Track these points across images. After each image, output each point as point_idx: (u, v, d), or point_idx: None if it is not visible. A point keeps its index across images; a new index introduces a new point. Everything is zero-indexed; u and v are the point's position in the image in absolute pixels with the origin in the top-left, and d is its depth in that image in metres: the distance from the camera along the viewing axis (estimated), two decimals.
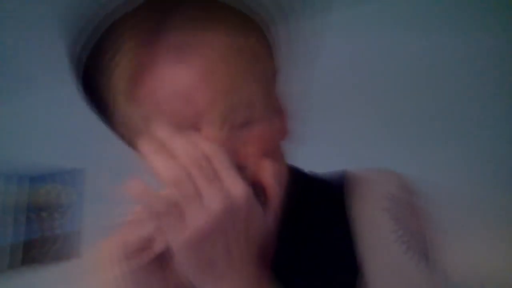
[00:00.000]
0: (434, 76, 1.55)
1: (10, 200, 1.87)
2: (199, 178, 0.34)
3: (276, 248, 0.43)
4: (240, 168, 0.37)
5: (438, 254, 0.45)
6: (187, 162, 0.34)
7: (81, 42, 0.39)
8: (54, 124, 1.95)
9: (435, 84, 1.54)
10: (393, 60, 1.59)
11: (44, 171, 1.88)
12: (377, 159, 1.43)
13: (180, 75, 0.38)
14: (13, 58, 1.75)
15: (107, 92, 0.40)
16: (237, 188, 0.35)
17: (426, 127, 1.50)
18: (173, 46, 0.38)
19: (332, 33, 1.61)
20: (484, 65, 1.49)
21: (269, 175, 0.39)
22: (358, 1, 1.66)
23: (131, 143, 0.43)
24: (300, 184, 0.48)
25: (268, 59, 0.44)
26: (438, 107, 1.51)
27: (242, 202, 0.35)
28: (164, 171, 0.34)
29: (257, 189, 0.38)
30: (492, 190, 1.36)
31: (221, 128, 0.38)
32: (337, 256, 0.45)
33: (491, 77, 1.48)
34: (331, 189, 0.51)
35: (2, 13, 1.52)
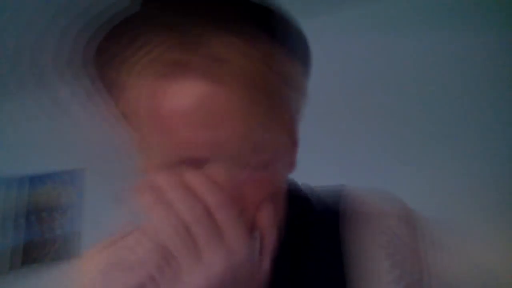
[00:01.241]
0: (434, 78, 1.55)
1: (11, 202, 1.87)
2: (199, 233, 0.32)
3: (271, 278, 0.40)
4: (240, 212, 0.34)
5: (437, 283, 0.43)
6: (186, 215, 0.32)
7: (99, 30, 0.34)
8: (54, 124, 1.95)
9: (435, 86, 1.54)
10: (392, 61, 1.59)
11: (44, 172, 1.88)
12: (374, 165, 1.43)
13: (209, 97, 0.33)
14: (13, 58, 1.75)
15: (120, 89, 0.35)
16: (240, 244, 0.32)
17: (425, 128, 1.49)
18: (206, 61, 0.33)
19: (332, 33, 1.61)
20: (485, 66, 1.49)
21: (268, 221, 0.37)
22: (358, 1, 1.66)
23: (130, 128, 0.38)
24: (296, 206, 0.45)
25: (299, 90, 0.39)
26: (437, 108, 1.51)
27: (244, 259, 0.32)
28: (162, 226, 0.31)
29: (254, 233, 0.36)
30: (492, 193, 1.36)
31: (233, 169, 0.34)
32: None
33: (491, 78, 1.48)
34: (326, 213, 0.46)
35: (2, 12, 1.52)
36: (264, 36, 0.34)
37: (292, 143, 0.41)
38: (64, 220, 1.81)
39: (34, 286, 1.73)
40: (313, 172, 0.50)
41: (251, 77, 0.33)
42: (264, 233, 0.37)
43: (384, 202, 0.47)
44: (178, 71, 0.33)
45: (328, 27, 1.61)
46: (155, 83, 0.33)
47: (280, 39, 0.36)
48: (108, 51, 0.35)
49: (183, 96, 0.33)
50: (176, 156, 0.34)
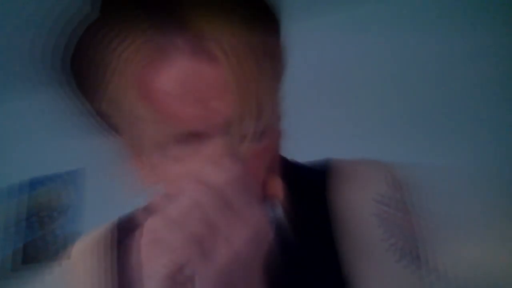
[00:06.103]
0: (433, 76, 1.55)
1: (13, 206, 1.87)
2: (214, 218, 0.32)
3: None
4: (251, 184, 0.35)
5: (433, 251, 0.43)
6: (200, 200, 0.32)
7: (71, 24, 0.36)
8: (54, 124, 1.95)
9: (435, 83, 1.54)
10: (392, 60, 1.59)
11: (44, 172, 1.88)
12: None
13: (204, 72, 0.33)
14: (11, 58, 1.75)
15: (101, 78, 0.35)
16: (257, 216, 0.33)
17: (426, 127, 1.50)
18: (191, 38, 0.33)
19: (333, 33, 1.62)
20: (485, 65, 1.49)
21: (280, 190, 0.38)
22: (358, 1, 1.66)
23: (117, 130, 0.39)
24: (288, 176, 0.44)
25: (280, 61, 0.39)
26: (438, 105, 1.51)
27: (263, 229, 0.33)
28: (178, 213, 0.32)
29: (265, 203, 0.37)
30: (491, 189, 1.36)
31: (238, 141, 0.34)
32: (321, 266, 0.42)
33: (491, 77, 1.48)
34: (314, 183, 0.45)
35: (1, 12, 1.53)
36: (244, 11, 0.35)
37: (278, 111, 0.41)
38: (64, 220, 1.81)
39: (34, 286, 1.73)
40: None
41: (238, 51, 0.34)
42: (278, 198, 0.38)
43: (372, 169, 0.46)
44: (165, 55, 0.34)
45: (328, 27, 1.61)
46: (144, 69, 0.34)
47: (260, 13, 0.37)
48: (91, 47, 0.35)
49: (174, 78, 0.34)
50: (171, 134, 0.34)
